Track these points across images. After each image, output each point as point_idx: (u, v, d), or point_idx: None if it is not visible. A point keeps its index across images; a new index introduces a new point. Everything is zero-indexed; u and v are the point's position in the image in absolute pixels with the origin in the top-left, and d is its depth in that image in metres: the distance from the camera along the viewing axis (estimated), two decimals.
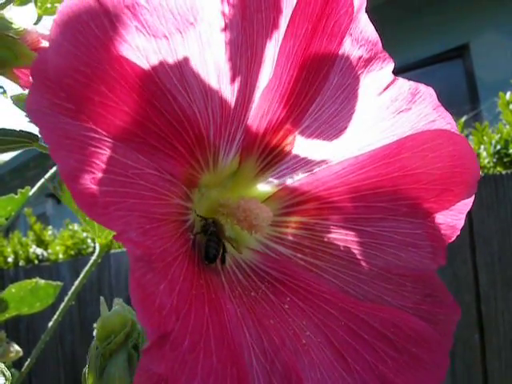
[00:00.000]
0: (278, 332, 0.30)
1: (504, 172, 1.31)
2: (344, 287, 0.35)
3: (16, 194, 0.64)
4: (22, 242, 2.57)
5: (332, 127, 0.35)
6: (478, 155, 1.43)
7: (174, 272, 0.26)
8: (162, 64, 0.27)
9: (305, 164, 0.36)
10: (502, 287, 1.28)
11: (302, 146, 0.35)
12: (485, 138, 1.45)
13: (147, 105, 0.27)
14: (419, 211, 0.35)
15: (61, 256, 2.40)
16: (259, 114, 0.32)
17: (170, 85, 0.27)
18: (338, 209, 0.36)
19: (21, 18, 0.42)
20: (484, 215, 1.29)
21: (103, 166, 0.24)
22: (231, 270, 0.34)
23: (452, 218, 0.36)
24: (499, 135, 1.40)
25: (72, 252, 2.37)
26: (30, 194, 0.65)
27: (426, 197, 0.35)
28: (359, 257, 0.35)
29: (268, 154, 0.35)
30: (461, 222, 0.36)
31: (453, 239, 0.36)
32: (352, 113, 0.34)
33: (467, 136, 1.52)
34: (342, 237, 0.36)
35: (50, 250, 2.50)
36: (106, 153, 0.25)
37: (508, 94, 1.43)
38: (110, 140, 0.25)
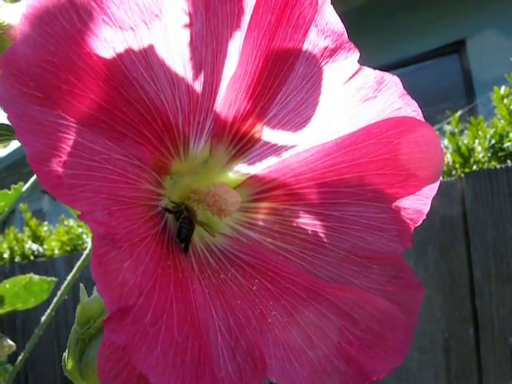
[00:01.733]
0: (245, 311, 0.31)
1: (498, 166, 1.32)
2: (311, 270, 0.36)
3: (10, 189, 0.65)
4: (17, 237, 2.56)
5: (299, 115, 0.36)
6: (473, 149, 1.44)
7: (141, 252, 0.28)
8: (128, 54, 0.28)
9: (274, 151, 0.37)
10: (496, 282, 1.29)
11: (270, 133, 0.36)
12: (480, 132, 1.45)
13: (114, 93, 0.28)
14: (385, 196, 0.36)
15: (56, 252, 2.40)
16: (227, 102, 0.34)
17: (137, 74, 0.29)
18: (306, 194, 0.37)
19: (8, 14, 0.43)
20: (479, 210, 1.30)
21: (70, 150, 0.26)
22: (202, 254, 0.35)
23: (418, 203, 0.37)
24: (494, 130, 1.41)
25: (68, 248, 2.37)
26: (24, 189, 0.67)
27: (391, 182, 0.36)
28: (326, 240, 0.36)
29: (238, 142, 0.36)
30: (426, 207, 0.37)
31: (419, 223, 0.37)
32: (318, 101, 0.36)
33: (462, 130, 1.52)
34: (310, 221, 0.37)
35: (45, 246, 2.50)
36: (73, 138, 0.26)
37: (503, 88, 1.43)
38: (77, 126, 0.26)
